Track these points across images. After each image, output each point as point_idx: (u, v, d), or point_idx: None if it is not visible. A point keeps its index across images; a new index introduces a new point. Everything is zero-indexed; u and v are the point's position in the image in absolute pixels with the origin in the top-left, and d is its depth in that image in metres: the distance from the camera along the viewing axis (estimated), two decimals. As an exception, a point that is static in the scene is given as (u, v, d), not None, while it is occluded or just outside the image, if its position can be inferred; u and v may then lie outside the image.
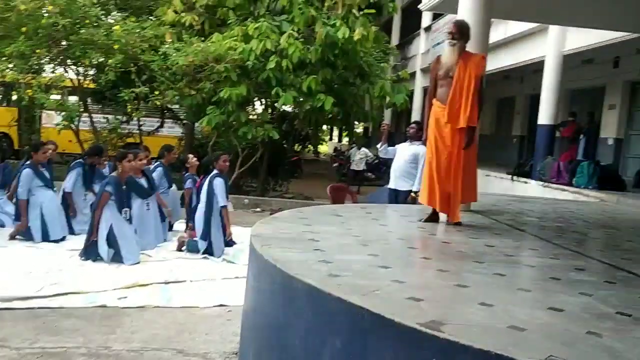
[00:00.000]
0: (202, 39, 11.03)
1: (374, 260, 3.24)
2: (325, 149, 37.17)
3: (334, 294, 2.47)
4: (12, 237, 6.79)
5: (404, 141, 7.10)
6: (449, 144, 4.65)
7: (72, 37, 10.67)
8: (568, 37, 11.46)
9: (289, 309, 2.77)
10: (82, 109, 12.21)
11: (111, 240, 5.86)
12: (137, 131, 14.32)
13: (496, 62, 13.58)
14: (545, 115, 11.98)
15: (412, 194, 6.65)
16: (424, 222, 4.75)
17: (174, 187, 8.00)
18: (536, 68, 13.66)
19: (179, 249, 6.64)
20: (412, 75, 20.93)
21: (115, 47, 10.74)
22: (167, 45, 10.83)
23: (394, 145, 7.19)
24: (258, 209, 11.04)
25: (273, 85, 10.86)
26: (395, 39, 24.68)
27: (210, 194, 6.56)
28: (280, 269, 2.86)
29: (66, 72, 12.05)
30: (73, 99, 13.12)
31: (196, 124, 13.34)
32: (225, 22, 11.82)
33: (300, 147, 23.86)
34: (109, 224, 5.90)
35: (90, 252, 5.94)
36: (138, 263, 5.97)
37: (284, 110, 13.54)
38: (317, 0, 11.82)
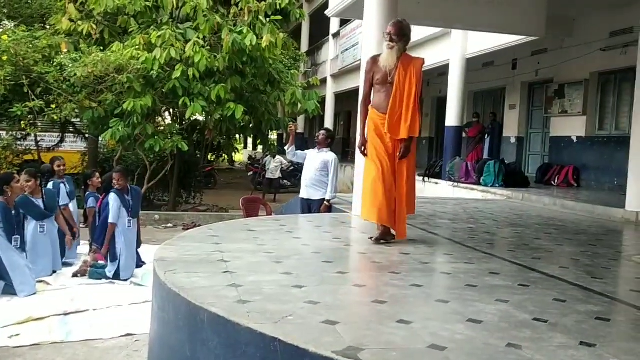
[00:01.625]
0: (101, 48, 10.44)
1: (287, 280, 3.06)
2: (240, 157, 36.72)
3: (243, 323, 2.27)
4: None
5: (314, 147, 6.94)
6: (391, 154, 4.28)
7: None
8: (470, 41, 11.86)
9: (196, 341, 2.53)
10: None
11: (1, 272, 5.32)
12: (35, 147, 13.43)
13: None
14: (452, 117, 12.32)
15: (326, 203, 6.53)
16: (375, 241, 4.34)
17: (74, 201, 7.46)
18: (441, 71, 14.06)
19: (80, 275, 6.15)
20: (323, 81, 21.05)
21: (4, 58, 9.96)
22: (62, 56, 10.16)
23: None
24: (170, 225, 10.58)
25: (180, 95, 10.47)
26: (304, 46, 24.74)
27: (107, 211, 6.16)
28: (185, 297, 2.62)
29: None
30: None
31: (100, 138, 12.64)
32: (127, 30, 11.28)
33: (214, 157, 23.41)
34: (-4, 255, 5.36)
35: (-24, 286, 5.36)
36: (34, 294, 5.45)
37: (194, 120, 13.13)
38: (223, 7, 11.55)
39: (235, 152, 31.15)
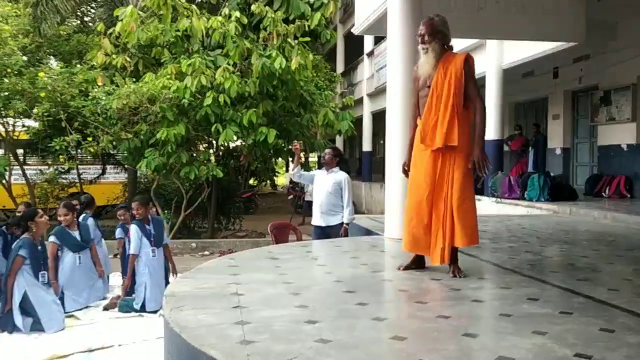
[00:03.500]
0: (134, 80, 10.56)
1: (301, 314, 2.82)
2: (283, 181, 36.79)
3: (241, 369, 2.04)
4: None
5: (320, 168, 6.48)
6: (431, 169, 3.77)
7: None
8: (506, 51, 11.46)
9: (197, 387, 2.31)
10: (9, 162, 11.41)
11: (27, 308, 5.27)
12: (77, 180, 13.68)
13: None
14: (492, 130, 11.88)
15: (345, 226, 6.08)
16: (403, 269, 3.97)
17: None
18: (479, 84, 13.65)
19: (110, 309, 6.06)
20: (360, 101, 20.87)
21: (42, 95, 10.19)
22: (97, 89, 10.32)
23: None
24: (206, 252, 10.50)
25: (212, 122, 10.47)
26: (340, 67, 24.66)
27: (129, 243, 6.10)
28: (184, 338, 2.41)
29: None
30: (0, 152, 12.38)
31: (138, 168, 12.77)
32: (160, 61, 11.42)
33: (256, 181, 23.45)
34: (23, 291, 5.31)
35: (5, 322, 5.32)
36: (63, 329, 5.38)
37: (230, 147, 13.15)
38: (252, 33, 11.56)
39: (277, 176, 31.29)
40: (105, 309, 6.09)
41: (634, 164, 10.72)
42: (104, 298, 6.48)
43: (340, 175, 6.16)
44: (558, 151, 13.41)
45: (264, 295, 3.23)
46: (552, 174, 10.76)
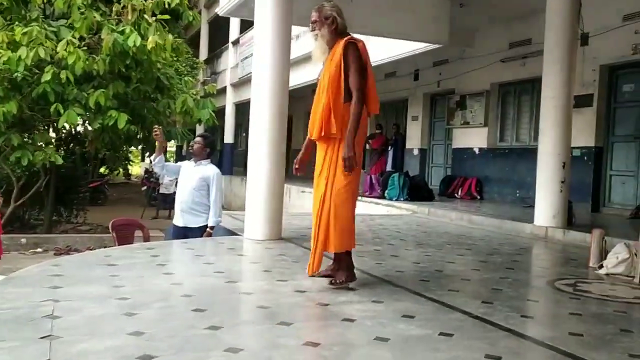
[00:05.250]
0: (-46, 45, 8.95)
1: (133, 345, 2.20)
2: (138, 171, 34.69)
3: None
4: None
5: (184, 158, 5.65)
6: (321, 164, 3.45)
7: None
8: (371, 50, 11.44)
9: None
10: None
11: None
12: None
13: (299, 77, 13.19)
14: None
15: (209, 229, 5.29)
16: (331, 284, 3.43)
17: None
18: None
19: None
20: (223, 90, 20.08)
21: None
22: None
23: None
24: (39, 249, 9.21)
25: (52, 101, 9.18)
26: (204, 54, 23.63)
27: None
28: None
29: None
30: None
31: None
32: (-8, 27, 9.84)
33: (107, 170, 21.69)
34: None
35: None
36: None
37: (75, 131, 11.78)
38: (104, 4, 10.37)
39: (131, 165, 29.36)
40: None
41: (484, 167, 11.22)
42: None
43: (209, 170, 5.31)
44: (415, 152, 13.77)
45: (88, 317, 2.55)
46: (410, 174, 10.94)
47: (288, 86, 5.55)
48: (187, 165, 5.45)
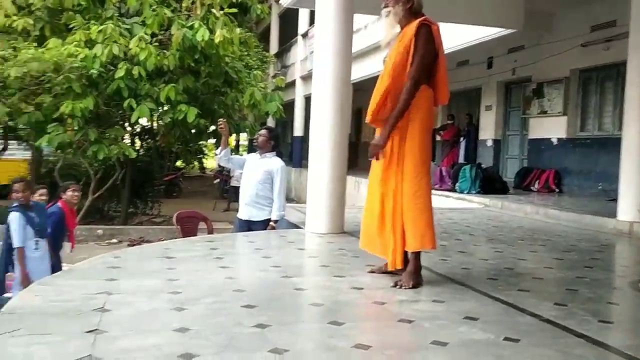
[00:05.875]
0: (36, 45, 9.40)
1: (177, 342, 2.13)
2: (213, 164, 35.57)
3: None
4: None
5: (254, 151, 5.65)
6: (384, 156, 3.23)
7: None
8: (442, 37, 11.06)
9: None
10: None
11: None
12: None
13: (367, 69, 12.95)
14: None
15: (272, 224, 5.15)
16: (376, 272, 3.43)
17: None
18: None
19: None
20: (292, 84, 20.16)
21: None
22: (-12, 53, 9.10)
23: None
24: (114, 240, 9.55)
25: (126, 97, 9.48)
26: (274, 48, 23.80)
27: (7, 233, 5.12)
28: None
29: None
30: None
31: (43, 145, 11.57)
32: (70, 28, 10.27)
33: (184, 163, 22.33)
34: None
35: None
36: None
37: (150, 126, 12.16)
38: (174, 1, 10.59)
39: (205, 158, 30.10)
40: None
41: (563, 158, 10.61)
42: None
43: (273, 163, 5.23)
44: (489, 143, 13.23)
45: (136, 312, 2.51)
46: (483, 166, 10.50)
47: (350, 78, 5.38)
48: (252, 158, 5.42)
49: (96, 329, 2.23)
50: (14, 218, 5.14)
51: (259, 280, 3.26)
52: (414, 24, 3.15)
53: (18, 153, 14.42)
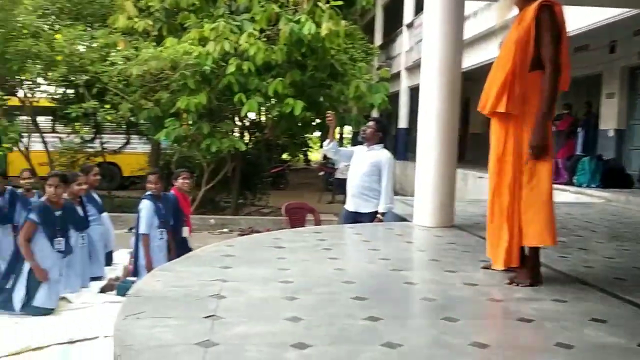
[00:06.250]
0: (154, 44, 9.95)
1: (289, 332, 2.15)
2: (317, 157, 36.07)
3: None
4: None
5: (360, 143, 5.54)
6: (497, 145, 3.11)
7: (9, 49, 9.56)
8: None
9: None
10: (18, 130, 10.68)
11: (30, 282, 4.81)
12: (100, 149, 13.25)
13: (477, 57, 12.47)
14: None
15: (379, 216, 5.12)
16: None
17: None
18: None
19: (107, 291, 5.51)
20: (397, 75, 19.91)
21: (58, 58, 9.69)
22: (114, 53, 9.75)
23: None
24: (225, 230, 9.93)
25: (236, 92, 9.81)
26: (378, 39, 23.65)
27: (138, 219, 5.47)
28: (120, 368, 1.77)
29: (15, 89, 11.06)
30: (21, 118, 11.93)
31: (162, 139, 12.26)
32: (185, 27, 10.79)
33: (289, 156, 22.83)
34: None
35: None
36: (51, 312, 4.86)
37: (258, 119, 12.52)
38: (282, -4, 10.78)
39: (310, 151, 30.57)
40: (102, 291, 5.55)
41: (698, 149, 9.64)
42: (101, 278, 5.89)
43: (380, 155, 5.20)
44: (611, 133, 12.29)
45: (250, 300, 2.57)
46: (604, 158, 9.80)
47: (461, 67, 5.19)
48: (359, 150, 5.41)
49: (213, 315, 2.30)
50: (145, 205, 5.49)
51: (368, 273, 3.23)
52: (534, 4, 2.94)
53: (139, 147, 15.43)
